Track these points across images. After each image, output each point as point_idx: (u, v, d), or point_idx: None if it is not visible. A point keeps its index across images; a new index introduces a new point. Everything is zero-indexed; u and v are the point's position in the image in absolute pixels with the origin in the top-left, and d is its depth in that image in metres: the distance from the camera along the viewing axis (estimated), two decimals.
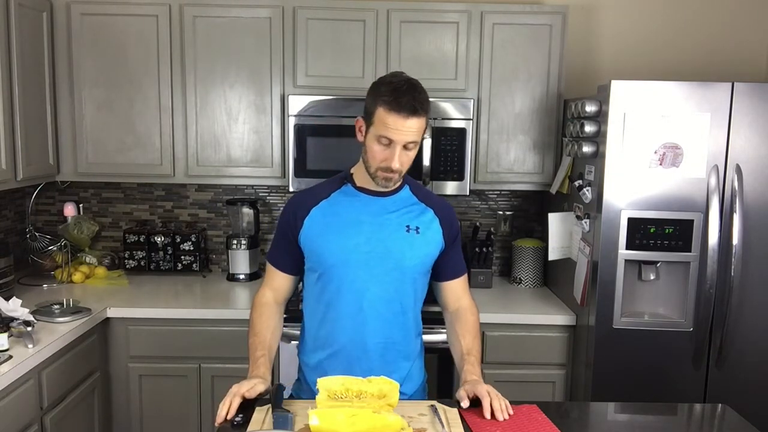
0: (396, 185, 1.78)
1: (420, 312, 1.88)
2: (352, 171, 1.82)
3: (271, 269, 1.87)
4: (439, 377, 2.65)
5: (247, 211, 3.18)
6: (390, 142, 1.64)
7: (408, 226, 1.76)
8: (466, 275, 1.92)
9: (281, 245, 1.84)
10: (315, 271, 1.80)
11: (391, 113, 1.62)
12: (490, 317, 2.69)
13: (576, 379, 2.70)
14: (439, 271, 1.86)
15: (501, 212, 3.32)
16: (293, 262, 1.83)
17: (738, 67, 3.21)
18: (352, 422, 1.45)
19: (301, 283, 1.89)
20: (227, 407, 1.55)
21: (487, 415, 1.60)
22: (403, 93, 1.62)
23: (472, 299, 1.91)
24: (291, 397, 1.86)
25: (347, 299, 1.75)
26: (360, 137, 1.73)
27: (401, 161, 1.66)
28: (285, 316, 1.92)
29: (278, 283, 1.86)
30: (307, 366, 1.85)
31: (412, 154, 1.69)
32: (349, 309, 1.75)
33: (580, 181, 2.64)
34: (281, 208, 3.28)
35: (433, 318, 2.09)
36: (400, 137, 1.63)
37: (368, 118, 1.68)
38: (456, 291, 1.89)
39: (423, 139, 1.74)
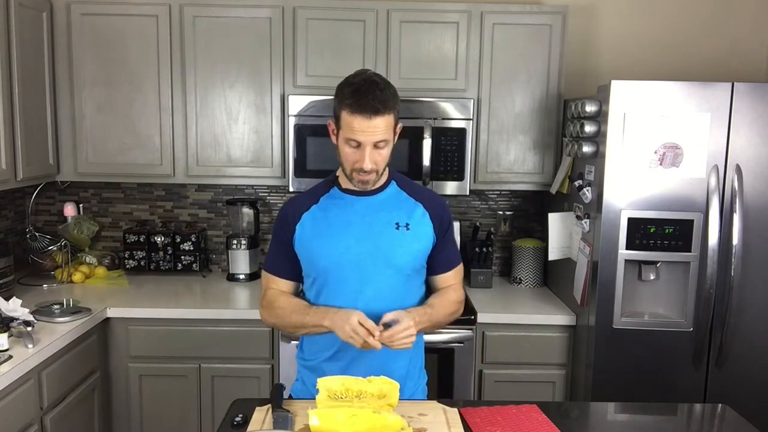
0: (375, 185, 1.77)
1: None
2: (337, 174, 1.82)
3: (269, 277, 1.85)
4: (439, 377, 2.65)
5: (247, 211, 3.18)
6: (359, 144, 1.65)
7: (397, 224, 1.76)
8: (460, 266, 1.88)
9: (277, 252, 1.84)
10: (310, 276, 1.80)
11: (354, 116, 1.62)
12: (490, 317, 2.69)
13: (576, 379, 2.70)
14: (432, 265, 1.84)
15: (501, 212, 3.32)
16: (290, 266, 1.82)
17: (738, 67, 3.21)
18: (352, 422, 1.45)
19: (301, 285, 1.89)
20: (371, 334, 1.58)
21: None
22: (363, 94, 1.62)
23: (462, 289, 1.88)
24: (291, 397, 1.86)
25: (342, 301, 1.74)
26: (333, 140, 1.73)
27: (374, 161, 1.66)
28: None
29: (278, 288, 1.85)
30: (306, 367, 1.85)
31: (385, 152, 1.68)
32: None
33: (580, 181, 2.64)
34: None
35: None
36: (367, 138, 1.63)
37: (336, 122, 1.69)
38: (448, 282, 1.86)
39: (400, 135, 1.72)
